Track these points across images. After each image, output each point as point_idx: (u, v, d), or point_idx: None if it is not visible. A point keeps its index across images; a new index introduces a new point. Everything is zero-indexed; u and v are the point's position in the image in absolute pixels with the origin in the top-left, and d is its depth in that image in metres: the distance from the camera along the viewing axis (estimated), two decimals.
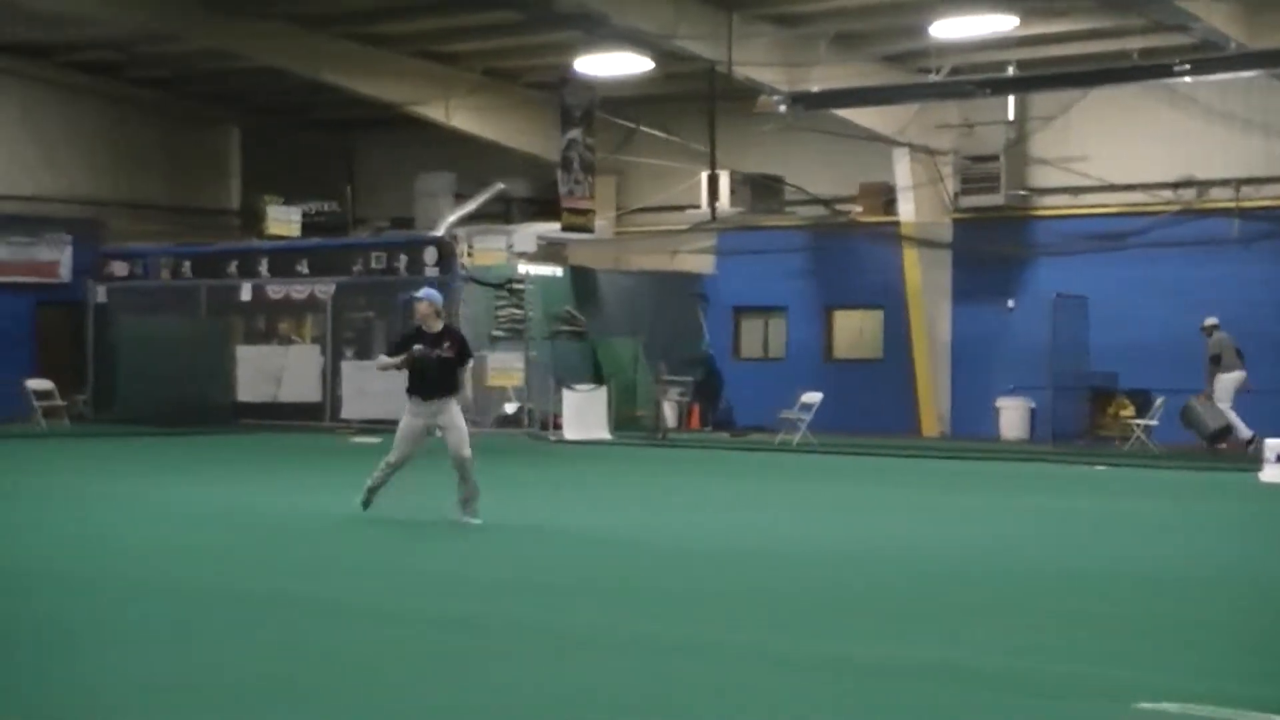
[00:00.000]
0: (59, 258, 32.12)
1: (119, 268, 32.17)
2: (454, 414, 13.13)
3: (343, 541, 12.76)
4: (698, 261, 31.43)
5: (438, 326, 13.26)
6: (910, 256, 28.92)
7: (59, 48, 31.17)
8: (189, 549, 12.07)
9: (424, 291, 13.46)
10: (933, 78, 26.25)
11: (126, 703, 6.85)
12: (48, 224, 31.93)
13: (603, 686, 7.17)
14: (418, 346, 13.05)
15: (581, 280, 30.18)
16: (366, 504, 13.50)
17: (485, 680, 7.24)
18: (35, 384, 29.41)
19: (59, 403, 29.34)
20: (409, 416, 13.24)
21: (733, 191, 28.88)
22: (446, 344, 13.13)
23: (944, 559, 11.78)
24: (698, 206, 28.66)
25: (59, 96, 32.34)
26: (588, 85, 28.92)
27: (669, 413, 29.04)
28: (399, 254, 29.37)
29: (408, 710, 6.71)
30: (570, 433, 26.68)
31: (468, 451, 12.96)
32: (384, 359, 13.59)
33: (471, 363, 13.62)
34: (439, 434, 13.29)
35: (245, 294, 30.58)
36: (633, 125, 30.23)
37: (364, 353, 29.43)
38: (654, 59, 26.86)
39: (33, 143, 31.92)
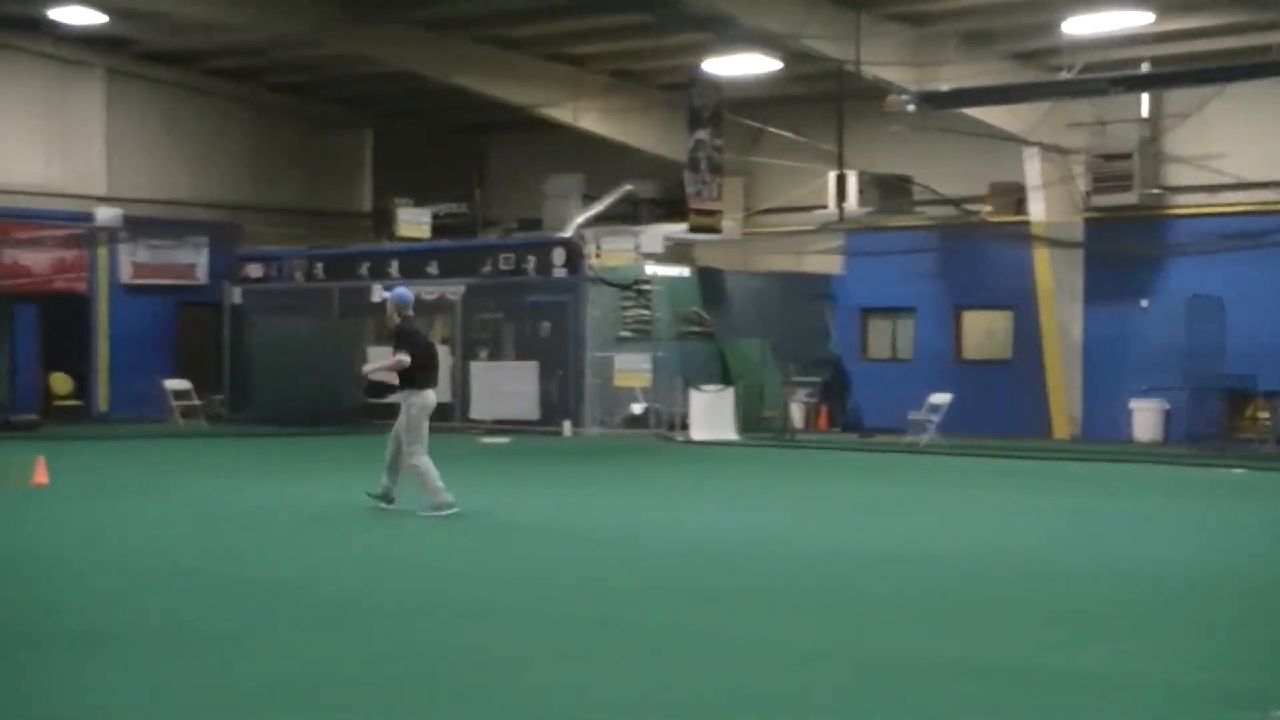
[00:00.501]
0: (197, 260, 32.80)
1: (254, 270, 32.75)
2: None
3: (482, 544, 12.85)
4: (825, 262, 31.30)
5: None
6: (1041, 256, 28.56)
7: (200, 55, 31.86)
8: (328, 551, 12.28)
9: (396, 292, 14.93)
10: (1064, 75, 25.87)
11: (259, 700, 7.00)
12: (187, 227, 32.61)
13: (740, 687, 7.20)
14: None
15: (709, 281, 30.20)
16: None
17: (631, 679, 7.27)
18: (173, 384, 30.09)
19: (195, 402, 30.00)
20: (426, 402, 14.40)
21: (861, 191, 28.71)
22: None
23: (1081, 565, 11.66)
24: (825, 207, 28.55)
25: (199, 103, 33.04)
26: (715, 86, 28.94)
27: (796, 413, 28.99)
28: (527, 255, 29.57)
29: (557, 710, 6.75)
30: (697, 433, 26.74)
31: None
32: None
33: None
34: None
35: (376, 295, 30.89)
36: (760, 126, 30.22)
37: (494, 353, 29.73)
38: (782, 59, 26.83)
39: (174, 148, 32.64)
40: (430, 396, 14.41)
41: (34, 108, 30.62)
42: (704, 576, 10.93)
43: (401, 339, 14.44)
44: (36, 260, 30.43)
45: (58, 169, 30.88)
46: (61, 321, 31.01)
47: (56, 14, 27.24)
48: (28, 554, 11.84)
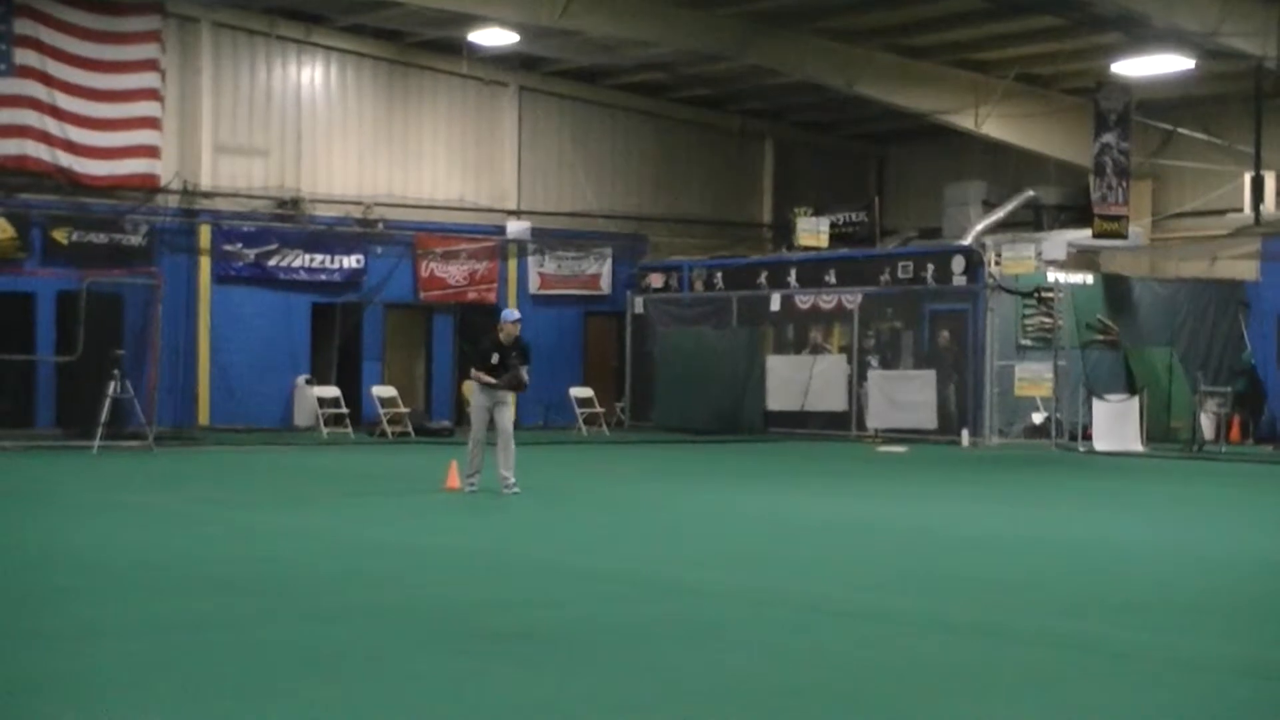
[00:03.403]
0: (601, 271, 33.82)
1: (656, 280, 33.58)
2: (508, 401, 16.70)
3: (900, 550, 12.86)
4: (1240, 268, 30.04)
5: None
6: None
7: (608, 71, 32.91)
8: (735, 552, 12.49)
9: (509, 312, 17.42)
10: None
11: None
12: (592, 239, 33.70)
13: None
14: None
15: (1114, 288, 29.39)
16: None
17: (1062, 700, 7.13)
18: (577, 392, 31.11)
19: (598, 410, 30.93)
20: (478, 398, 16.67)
21: (1279, 193, 27.45)
22: (515, 352, 16.61)
23: None
24: (1240, 210, 27.41)
25: (606, 118, 34.12)
26: (1124, 88, 28.17)
27: (1206, 425, 27.87)
28: (926, 263, 29.36)
29: None
30: (1100, 444, 26.05)
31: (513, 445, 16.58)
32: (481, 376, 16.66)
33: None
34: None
35: (775, 304, 31.25)
36: (1170, 128, 29.24)
37: (891, 362, 29.62)
38: (1195, 58, 25.91)
39: (581, 162, 33.80)
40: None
41: (453, 126, 32.19)
42: (1139, 590, 10.67)
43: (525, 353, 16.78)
44: (452, 272, 31.93)
45: (473, 184, 32.39)
46: (474, 331, 32.38)
47: (475, 36, 28.61)
48: (460, 553, 12.47)
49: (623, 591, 10.14)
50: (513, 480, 16.35)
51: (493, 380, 16.42)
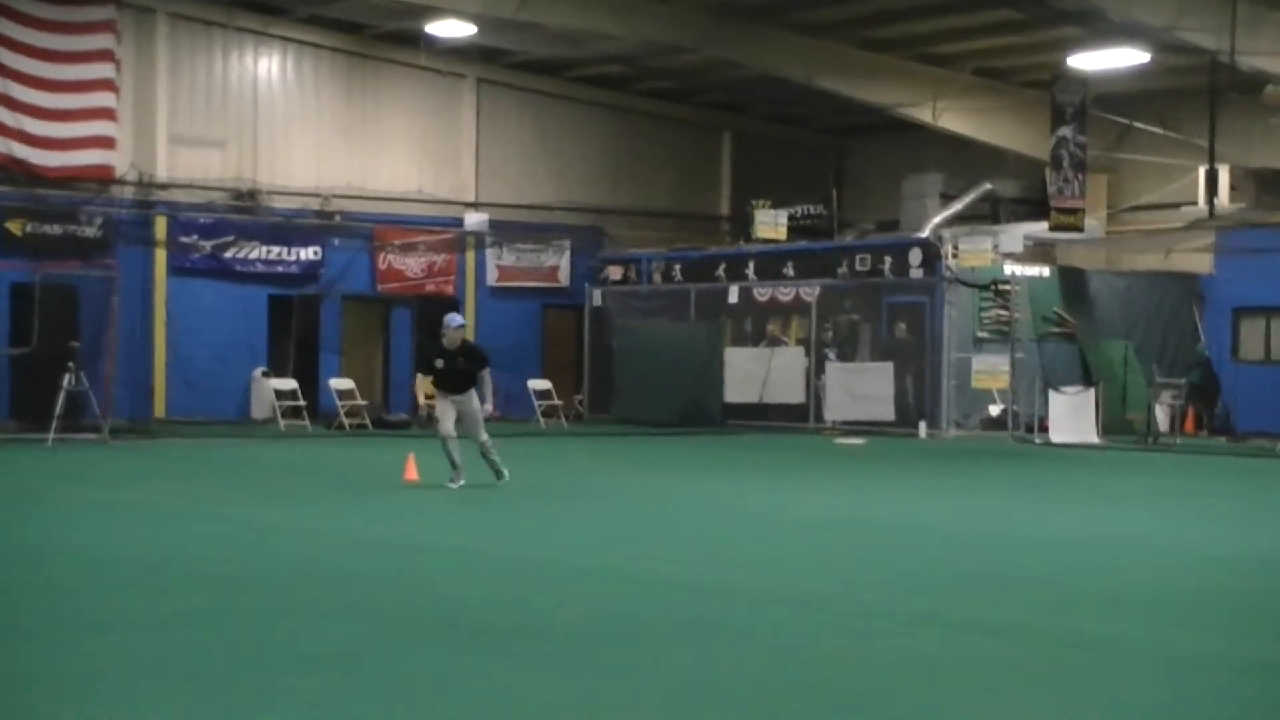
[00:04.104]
0: (559, 263, 33.77)
1: (614, 272, 33.55)
2: (473, 403, 16.35)
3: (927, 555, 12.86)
4: (1195, 261, 30.24)
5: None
6: None
7: (569, 63, 32.82)
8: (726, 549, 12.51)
9: (451, 318, 16.71)
10: None
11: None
12: (551, 231, 33.63)
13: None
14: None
15: (1071, 281, 29.55)
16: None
17: (1072, 698, 7.09)
18: (535, 384, 31.07)
19: (556, 402, 30.89)
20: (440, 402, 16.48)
21: (1233, 187, 27.68)
22: (461, 358, 16.30)
23: None
24: (1195, 203, 27.60)
25: (565, 110, 34.04)
26: (1081, 81, 28.29)
27: (1162, 416, 28.06)
28: (884, 256, 29.44)
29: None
30: (1057, 436, 26.20)
31: (484, 436, 16.50)
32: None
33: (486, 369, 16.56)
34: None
35: (733, 297, 31.28)
36: (1127, 121, 29.41)
37: (848, 355, 29.69)
38: (1151, 51, 26.07)
39: (539, 154, 33.73)
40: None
41: (412, 119, 32.07)
42: (1150, 587, 10.72)
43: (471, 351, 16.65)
44: (410, 265, 31.83)
45: (431, 176, 32.27)
46: (432, 323, 32.22)
47: (434, 28, 28.50)
48: (422, 546, 12.45)
49: (589, 586, 10.16)
50: (496, 457, 16.42)
51: (429, 395, 16.68)
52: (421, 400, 17.88)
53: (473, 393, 16.33)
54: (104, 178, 28.43)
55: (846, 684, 7.13)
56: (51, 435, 22.56)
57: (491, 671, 7.26)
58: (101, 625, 8.37)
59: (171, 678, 7.01)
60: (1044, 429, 26.66)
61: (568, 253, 33.76)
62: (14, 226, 27.28)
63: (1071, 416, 26.55)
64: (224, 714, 6.42)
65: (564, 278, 33.79)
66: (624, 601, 9.37)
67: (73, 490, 16.66)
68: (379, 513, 14.39)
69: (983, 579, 10.51)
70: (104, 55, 28.25)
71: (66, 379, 22.89)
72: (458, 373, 16.24)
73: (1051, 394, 26.85)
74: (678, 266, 32.67)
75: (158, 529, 12.97)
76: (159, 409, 28.46)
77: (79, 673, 7.14)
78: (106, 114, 28.26)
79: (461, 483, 16.11)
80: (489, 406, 16.53)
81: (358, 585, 9.95)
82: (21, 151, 27.43)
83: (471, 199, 32.63)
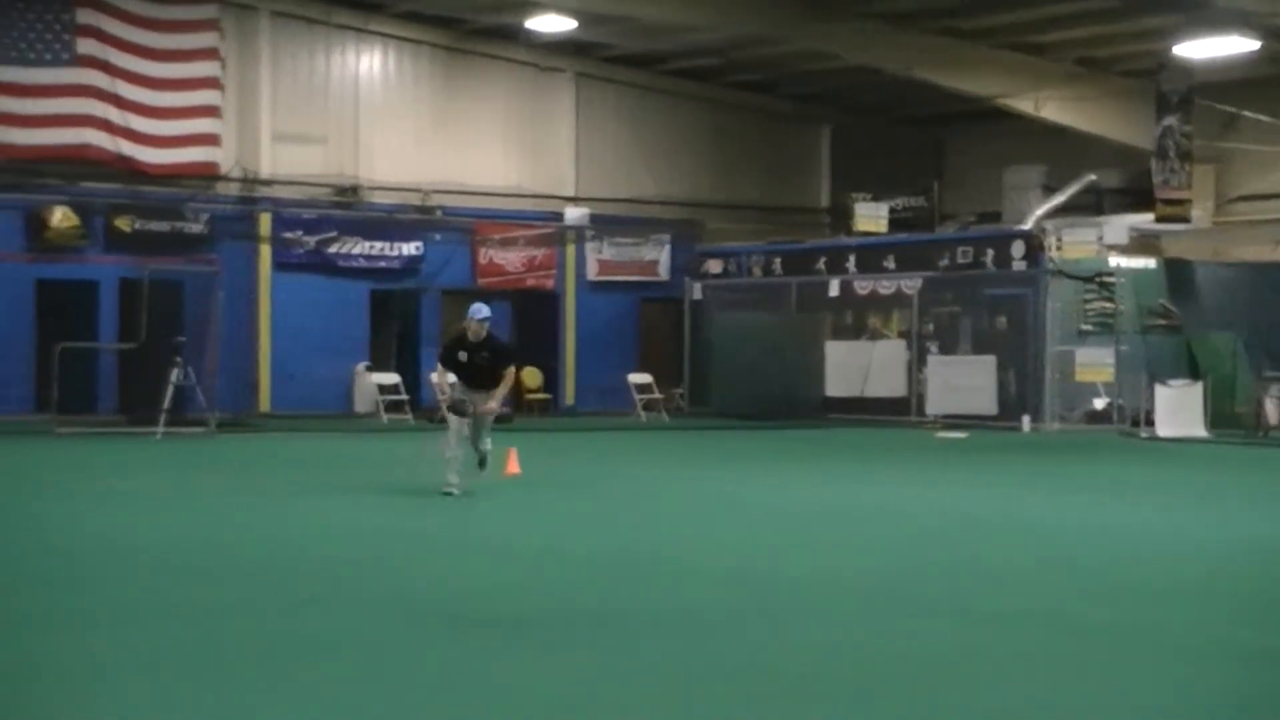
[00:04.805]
0: (659, 257, 33.78)
1: (714, 265, 33.51)
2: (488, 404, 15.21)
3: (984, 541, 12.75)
4: None
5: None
6: None
7: (663, 57, 32.83)
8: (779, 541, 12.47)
9: (477, 308, 15.40)
10: None
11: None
12: (650, 225, 33.65)
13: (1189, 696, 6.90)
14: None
15: (1176, 273, 29.12)
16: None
17: (1082, 685, 7.06)
18: (635, 378, 31.10)
19: (657, 396, 30.91)
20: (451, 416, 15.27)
21: None
22: (486, 353, 15.20)
23: None
24: None
25: (661, 103, 34.04)
26: (1186, 70, 27.86)
27: (1271, 410, 27.55)
28: (985, 248, 29.19)
29: (986, 709, 6.62)
30: (1163, 429, 25.82)
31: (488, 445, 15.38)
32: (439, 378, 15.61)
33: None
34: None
35: (833, 290, 31.13)
36: (1234, 110, 28.90)
37: (949, 347, 29.46)
38: (1259, 39, 25.60)
39: (637, 148, 33.75)
40: None
41: (509, 113, 32.20)
42: (1165, 576, 10.57)
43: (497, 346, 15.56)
44: (510, 259, 31.98)
45: (529, 171, 32.40)
46: (532, 317, 32.46)
47: (532, 23, 28.62)
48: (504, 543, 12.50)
49: (662, 578, 10.15)
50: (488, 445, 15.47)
51: (445, 397, 15.28)
52: (439, 396, 15.90)
53: (490, 394, 15.20)
54: (209, 174, 28.84)
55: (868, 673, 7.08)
56: (160, 429, 22.93)
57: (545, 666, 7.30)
58: (98, 616, 8.48)
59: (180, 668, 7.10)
60: (1150, 422, 26.29)
61: (667, 246, 33.75)
62: (122, 223, 27.75)
63: (1178, 410, 26.15)
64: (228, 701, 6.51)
65: (663, 271, 33.78)
66: (689, 594, 9.33)
67: (199, 481, 16.89)
68: (458, 511, 14.44)
69: (1046, 569, 10.41)
70: (208, 53, 28.66)
71: (174, 374, 23.27)
72: (480, 367, 15.14)
73: (1157, 387, 26.46)
74: (778, 260, 32.55)
75: (265, 516, 13.16)
76: (263, 403, 28.83)
77: (80, 660, 7.23)
78: (211, 111, 28.67)
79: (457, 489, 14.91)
80: (505, 408, 15.73)
81: (387, 575, 10.04)
82: (128, 149, 27.89)
83: (570, 193, 32.71)
